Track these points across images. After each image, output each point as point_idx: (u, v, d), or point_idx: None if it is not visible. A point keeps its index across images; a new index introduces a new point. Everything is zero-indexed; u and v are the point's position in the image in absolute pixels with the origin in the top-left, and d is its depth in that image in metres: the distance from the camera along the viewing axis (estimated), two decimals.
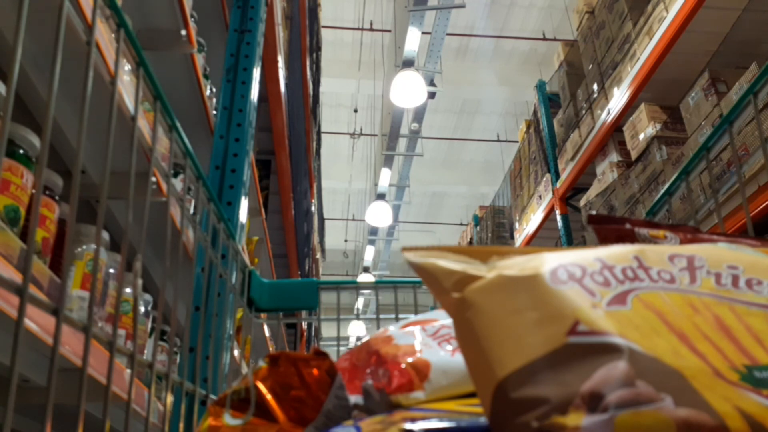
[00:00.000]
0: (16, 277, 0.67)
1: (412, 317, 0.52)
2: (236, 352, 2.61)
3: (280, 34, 2.56)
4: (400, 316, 0.77)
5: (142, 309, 1.22)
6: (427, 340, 0.44)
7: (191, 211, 1.29)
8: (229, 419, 0.48)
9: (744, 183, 2.01)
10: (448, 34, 5.82)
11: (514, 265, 0.31)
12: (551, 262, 0.31)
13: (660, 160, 2.78)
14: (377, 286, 0.80)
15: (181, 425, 0.60)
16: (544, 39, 7.15)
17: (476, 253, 0.33)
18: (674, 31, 2.53)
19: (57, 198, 0.93)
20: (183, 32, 1.67)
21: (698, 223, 2.12)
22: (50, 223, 0.89)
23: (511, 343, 0.28)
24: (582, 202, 3.81)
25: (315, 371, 0.48)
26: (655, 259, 0.32)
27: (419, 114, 6.68)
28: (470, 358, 0.30)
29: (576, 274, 0.30)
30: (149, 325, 1.29)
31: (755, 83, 0.62)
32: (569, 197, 4.19)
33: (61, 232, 0.93)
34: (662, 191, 0.81)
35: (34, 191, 0.84)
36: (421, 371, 0.40)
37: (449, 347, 0.43)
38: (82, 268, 0.94)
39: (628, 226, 0.45)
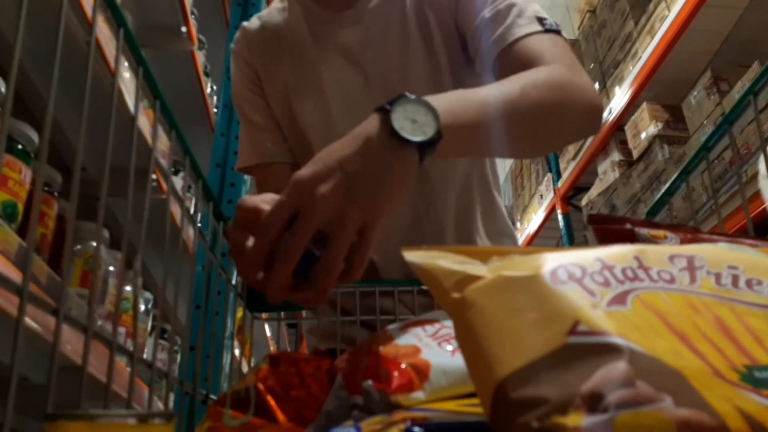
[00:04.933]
0: (14, 273, 0.66)
1: (412, 318, 0.52)
2: (237, 352, 2.61)
3: None
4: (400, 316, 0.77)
5: (142, 307, 1.22)
6: (427, 340, 0.44)
7: (191, 209, 1.29)
8: (229, 420, 0.48)
9: (745, 183, 2.01)
10: None
11: (514, 266, 0.31)
12: (551, 262, 0.31)
13: (662, 159, 2.77)
14: (377, 287, 0.79)
15: (181, 425, 0.60)
16: None
17: (476, 253, 0.33)
18: (676, 30, 2.53)
19: (55, 194, 0.93)
20: (183, 29, 1.67)
21: (699, 223, 2.11)
22: (49, 219, 0.89)
23: (511, 344, 0.28)
24: (584, 202, 3.80)
25: (315, 371, 0.48)
26: (655, 259, 0.32)
27: None
28: (470, 358, 0.30)
29: (576, 274, 0.30)
30: (149, 324, 1.29)
31: (755, 83, 0.62)
32: (571, 196, 4.18)
33: (59, 229, 0.92)
34: (662, 191, 0.81)
35: (32, 187, 0.83)
36: (421, 371, 0.40)
37: (449, 347, 0.43)
38: (81, 266, 0.94)
39: (628, 226, 0.45)
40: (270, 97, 0.90)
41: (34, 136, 0.84)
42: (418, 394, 0.39)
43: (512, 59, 0.74)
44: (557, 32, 0.76)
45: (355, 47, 0.85)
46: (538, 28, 0.75)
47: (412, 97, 0.52)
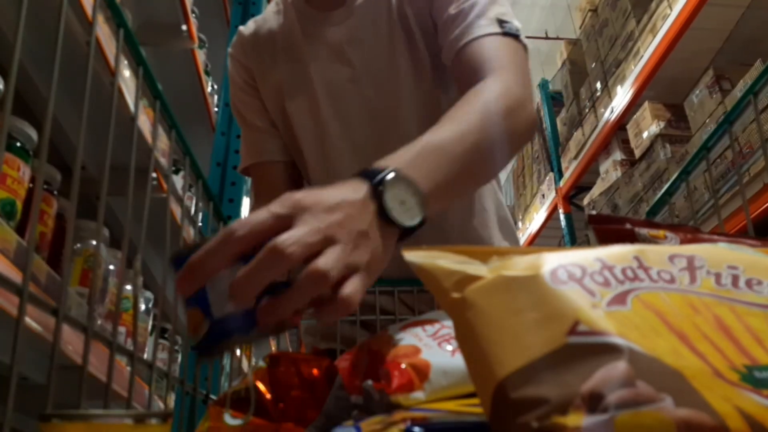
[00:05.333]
0: (13, 272, 0.66)
1: (412, 318, 0.52)
2: (237, 351, 2.60)
3: None
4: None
5: (142, 306, 1.22)
6: (427, 340, 0.44)
7: (192, 208, 1.29)
8: (229, 419, 0.47)
9: (747, 182, 2.00)
10: None
11: (514, 265, 0.31)
12: (551, 262, 0.31)
13: (664, 159, 2.76)
14: (376, 287, 0.79)
15: (182, 425, 0.60)
16: (547, 38, 7.13)
17: (476, 253, 0.33)
18: (678, 29, 2.52)
19: (54, 193, 0.92)
20: (183, 27, 1.66)
21: (700, 223, 2.10)
22: (48, 218, 0.88)
23: (511, 344, 0.28)
24: (585, 201, 3.80)
25: (315, 371, 0.48)
26: (655, 259, 0.32)
27: None
28: (470, 358, 0.30)
29: (576, 274, 0.30)
30: (150, 323, 1.28)
31: (755, 83, 0.62)
32: (572, 196, 4.17)
33: (58, 227, 0.92)
34: (662, 191, 0.81)
35: (31, 185, 0.83)
36: (421, 371, 0.40)
37: (449, 347, 0.43)
38: (81, 264, 0.93)
39: (628, 226, 0.45)
40: (265, 99, 0.91)
41: (33, 134, 0.83)
42: (418, 394, 0.39)
43: (464, 60, 0.75)
44: (515, 36, 0.77)
45: (344, 44, 0.85)
46: (496, 30, 0.75)
47: (392, 175, 0.48)
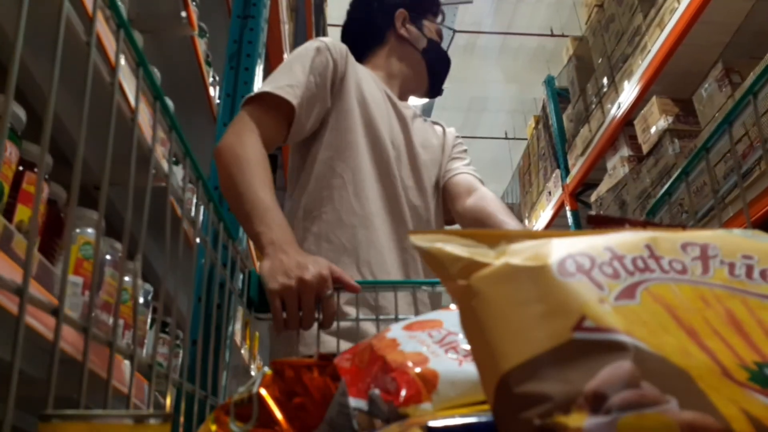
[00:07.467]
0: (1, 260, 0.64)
1: (413, 318, 0.51)
2: (241, 348, 2.60)
3: (285, 28, 2.54)
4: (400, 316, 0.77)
5: (141, 300, 1.20)
6: (434, 347, 0.43)
7: (194, 206, 1.28)
8: (234, 428, 0.47)
9: (757, 178, 1.98)
10: (454, 32, 5.75)
11: (521, 252, 0.30)
12: (560, 251, 0.30)
13: (672, 154, 2.74)
14: (377, 286, 0.80)
15: (182, 420, 0.60)
16: (552, 35, 7.09)
17: (484, 236, 0.32)
18: (686, 22, 2.49)
19: (46, 177, 0.88)
20: (183, 14, 1.66)
21: (704, 221, 2.08)
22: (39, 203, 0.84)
23: (516, 336, 0.27)
24: (593, 198, 3.77)
25: (318, 377, 0.47)
26: (667, 247, 0.31)
27: (426, 112, 6.65)
28: (475, 347, 0.30)
29: (584, 265, 0.29)
30: (150, 316, 1.26)
31: (755, 83, 0.61)
32: (580, 193, 4.15)
33: (50, 213, 0.88)
34: (662, 191, 0.80)
35: (20, 168, 0.79)
36: (429, 381, 0.39)
37: (457, 356, 0.42)
38: (76, 253, 0.88)
39: (627, 226, 0.44)
40: (347, 81, 1.17)
41: (21, 114, 0.81)
42: (426, 406, 0.38)
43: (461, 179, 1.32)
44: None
45: (408, 123, 1.27)
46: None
47: None
